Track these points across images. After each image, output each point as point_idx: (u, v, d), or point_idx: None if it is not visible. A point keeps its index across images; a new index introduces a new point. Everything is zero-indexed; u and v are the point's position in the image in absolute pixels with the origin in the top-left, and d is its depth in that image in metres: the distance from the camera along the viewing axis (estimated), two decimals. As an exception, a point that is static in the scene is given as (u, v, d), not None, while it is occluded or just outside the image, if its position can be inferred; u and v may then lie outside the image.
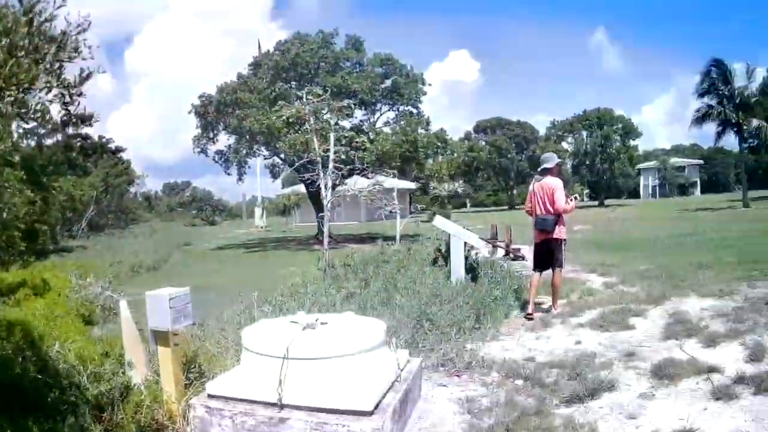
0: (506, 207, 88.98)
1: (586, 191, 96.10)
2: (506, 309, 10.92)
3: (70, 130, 4.04)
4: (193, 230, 64.24)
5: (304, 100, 13.08)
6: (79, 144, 64.07)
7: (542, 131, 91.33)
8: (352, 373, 5.38)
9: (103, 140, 64.38)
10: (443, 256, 12.71)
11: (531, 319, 10.31)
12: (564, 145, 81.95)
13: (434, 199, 59.10)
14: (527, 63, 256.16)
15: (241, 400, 5.33)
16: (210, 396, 5.52)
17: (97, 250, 33.16)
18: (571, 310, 10.89)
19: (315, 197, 37.51)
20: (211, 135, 37.61)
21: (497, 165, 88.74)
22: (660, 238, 24.69)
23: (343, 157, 13.26)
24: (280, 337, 5.56)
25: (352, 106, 14.31)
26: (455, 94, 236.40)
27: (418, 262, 12.86)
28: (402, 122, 34.02)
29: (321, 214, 14.38)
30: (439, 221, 12.30)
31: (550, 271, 10.97)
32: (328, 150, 13.83)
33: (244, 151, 37.28)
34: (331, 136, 12.88)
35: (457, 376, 7.48)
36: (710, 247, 19.75)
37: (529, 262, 17.77)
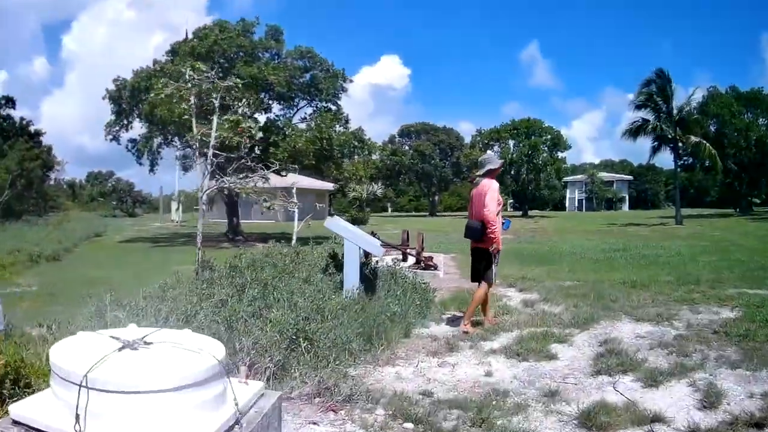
0: (426, 213, 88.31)
1: (510, 201, 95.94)
2: (406, 327, 9.17)
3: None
4: (110, 221, 62.07)
5: (187, 76, 10.88)
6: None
7: (468, 139, 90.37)
8: (169, 415, 3.45)
9: (24, 122, 61.76)
10: (336, 263, 10.80)
11: (466, 333, 9.12)
12: (489, 153, 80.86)
13: (352, 202, 57.38)
14: (458, 72, 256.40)
15: None
16: (14, 422, 3.64)
17: (3, 237, 30.79)
18: (483, 331, 9.21)
19: (225, 191, 35.66)
20: (125, 122, 34.96)
21: (420, 170, 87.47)
22: (588, 251, 23.22)
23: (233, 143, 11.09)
24: (88, 357, 3.63)
25: (240, 86, 12.03)
26: (384, 99, 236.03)
27: (308, 268, 10.92)
28: (318, 119, 32.01)
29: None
30: (332, 223, 10.35)
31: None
32: (208, 135, 11.73)
33: (156, 141, 35.05)
34: (214, 119, 10.76)
35: (334, 411, 5.93)
36: (644, 263, 18.23)
37: (441, 272, 16.31)
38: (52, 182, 73.01)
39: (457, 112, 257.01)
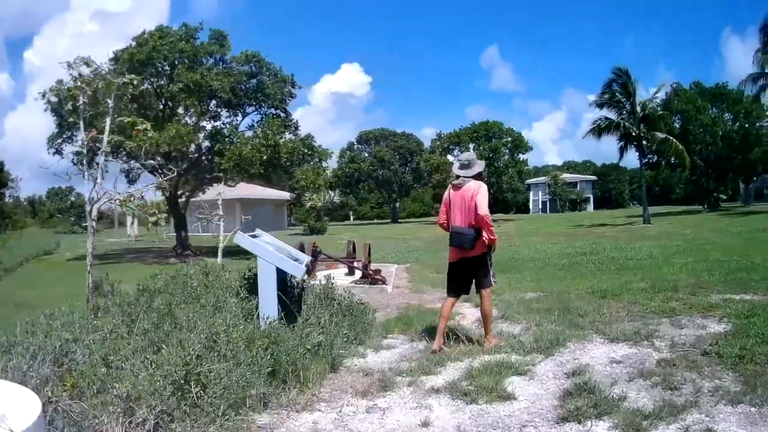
0: (389, 220, 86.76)
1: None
2: (333, 360, 7.60)
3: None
4: (66, 237, 59.74)
5: (72, 64, 9.15)
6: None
7: (428, 144, 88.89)
8: None
9: None
10: (251, 285, 9.20)
11: (435, 352, 8.10)
12: (449, 157, 79.42)
13: (309, 211, 55.73)
14: (419, 78, 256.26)
15: None
16: None
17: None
18: (425, 362, 7.64)
19: (171, 204, 34.15)
20: (68, 134, 32.80)
21: (380, 177, 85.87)
22: (552, 257, 21.45)
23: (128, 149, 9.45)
24: None
25: (134, 83, 10.27)
26: (345, 107, 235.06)
27: (223, 291, 9.26)
28: (264, 126, 30.26)
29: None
30: (243, 238, 8.61)
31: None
32: (98, 140, 10.08)
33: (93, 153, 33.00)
34: (107, 121, 9.05)
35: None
36: (614, 268, 16.56)
37: (389, 287, 14.71)
38: (8, 199, 72.30)
39: (420, 118, 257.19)
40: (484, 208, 7.99)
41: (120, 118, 10.30)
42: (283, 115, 32.92)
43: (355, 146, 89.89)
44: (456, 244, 8.30)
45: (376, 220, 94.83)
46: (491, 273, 8.38)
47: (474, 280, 8.44)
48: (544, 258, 21.07)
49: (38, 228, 69.39)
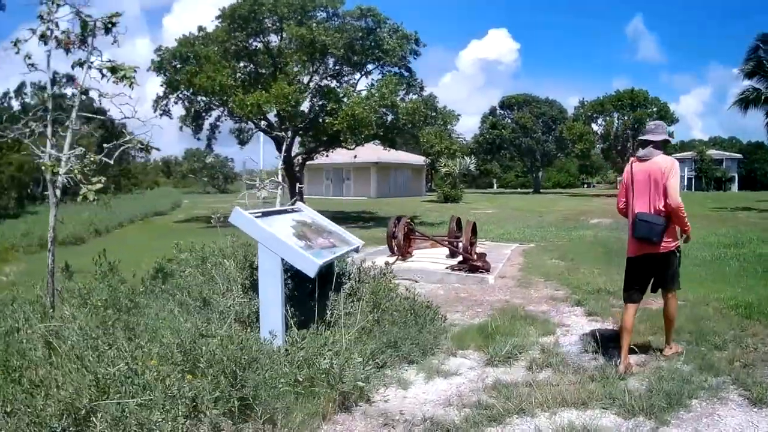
0: (531, 190, 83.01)
1: (619, 178, 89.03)
2: (344, 395, 5.42)
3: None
4: (194, 197, 61.58)
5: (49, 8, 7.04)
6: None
7: (572, 112, 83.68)
8: None
9: (85, 99, 61.40)
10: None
11: (626, 373, 6.15)
12: (594, 126, 74.69)
13: (444, 178, 53.21)
14: (564, 47, 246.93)
15: None
16: None
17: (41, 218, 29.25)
18: (494, 405, 5.31)
19: (287, 169, 32.70)
20: (174, 95, 31.97)
21: (522, 144, 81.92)
22: (691, 246, 17.06)
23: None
24: None
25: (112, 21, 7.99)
26: (492, 74, 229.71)
27: (225, 282, 7.06)
28: (381, 84, 27.82)
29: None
30: (240, 217, 6.29)
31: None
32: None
33: (197, 112, 32.78)
34: (84, 70, 6.96)
35: None
36: (761, 270, 12.95)
37: (492, 276, 12.21)
38: (140, 160, 74.04)
39: (566, 87, 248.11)
40: (676, 196, 6.30)
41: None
42: (406, 74, 30.52)
43: (498, 111, 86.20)
44: (641, 235, 6.49)
45: (519, 189, 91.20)
46: (677, 275, 6.70)
47: (657, 281, 6.73)
48: (683, 248, 17.22)
49: (171, 188, 70.74)
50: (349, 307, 6.88)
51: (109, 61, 7.23)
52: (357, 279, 7.79)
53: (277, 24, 28.44)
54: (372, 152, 44.69)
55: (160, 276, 7.75)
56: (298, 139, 33.66)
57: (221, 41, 28.48)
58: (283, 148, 24.34)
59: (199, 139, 34.37)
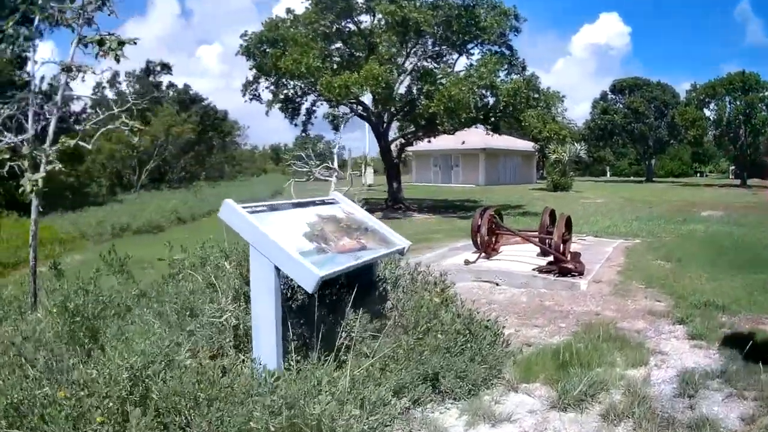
0: (643, 179, 78.90)
1: (732, 167, 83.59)
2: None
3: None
4: (298, 185, 59.43)
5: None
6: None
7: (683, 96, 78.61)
8: None
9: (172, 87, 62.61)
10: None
11: None
12: (706, 112, 70.04)
13: (554, 165, 50.75)
14: (675, 31, 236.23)
15: None
16: None
17: (135, 205, 30.31)
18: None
19: (384, 155, 31.54)
20: (262, 80, 31.77)
21: (634, 130, 77.92)
22: None
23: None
24: None
25: None
26: (604, 58, 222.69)
27: (227, 290, 5.64)
28: (480, 64, 26.09)
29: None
30: (230, 212, 4.81)
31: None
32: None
33: (283, 96, 32.07)
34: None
35: None
36: None
37: (585, 281, 10.41)
38: (244, 146, 74.94)
39: (677, 72, 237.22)
40: None
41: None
42: (507, 52, 28.63)
43: (609, 96, 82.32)
44: None
45: (632, 178, 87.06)
46: None
47: None
48: None
49: (279, 175, 71.42)
50: (376, 325, 5.41)
51: (100, 34, 6.44)
52: (395, 287, 6.31)
53: (367, 2, 27.11)
54: (480, 138, 42.88)
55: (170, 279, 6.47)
56: (396, 124, 32.51)
57: (310, 23, 27.55)
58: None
59: (295, 125, 33.89)
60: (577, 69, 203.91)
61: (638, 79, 79.83)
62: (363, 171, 57.93)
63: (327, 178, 9.99)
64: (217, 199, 31.50)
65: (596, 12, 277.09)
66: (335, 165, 10.06)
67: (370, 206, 31.87)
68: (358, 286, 5.64)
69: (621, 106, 79.17)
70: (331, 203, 6.44)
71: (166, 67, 62.50)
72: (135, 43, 6.25)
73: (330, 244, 5.21)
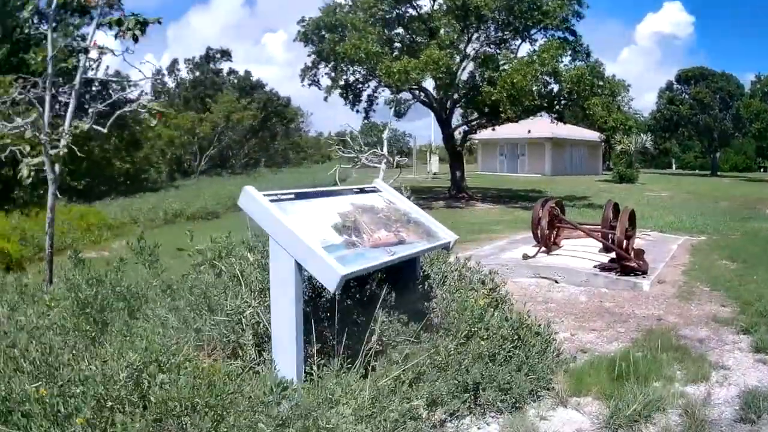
0: (708, 172, 76.65)
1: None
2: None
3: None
4: (364, 172, 59.26)
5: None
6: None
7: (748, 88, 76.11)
8: None
9: (235, 74, 62.94)
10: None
11: None
12: (771, 104, 67.85)
13: (620, 156, 49.44)
14: (740, 20, 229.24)
15: None
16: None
17: (192, 191, 30.81)
18: None
19: (447, 142, 31.02)
20: (322, 65, 31.61)
21: (699, 122, 75.61)
22: None
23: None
24: None
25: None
26: (668, 48, 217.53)
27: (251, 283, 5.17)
28: (542, 49, 25.31)
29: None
30: (249, 200, 4.34)
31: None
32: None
33: (343, 82, 31.68)
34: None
35: None
36: None
37: (648, 282, 9.73)
38: (311, 133, 75.30)
39: (741, 63, 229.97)
40: None
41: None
42: (571, 38, 27.73)
43: (674, 86, 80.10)
44: None
45: (697, 171, 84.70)
46: None
47: None
48: None
49: (344, 162, 71.86)
50: (415, 328, 4.92)
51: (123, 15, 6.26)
52: (440, 285, 5.80)
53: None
54: (546, 127, 42.07)
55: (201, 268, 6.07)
56: (459, 111, 31.96)
57: (368, 7, 27.13)
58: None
59: (357, 111, 33.49)
60: (642, 59, 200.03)
61: (704, 69, 77.49)
62: (428, 159, 57.47)
63: (375, 164, 9.51)
64: (277, 185, 31.58)
65: (660, 1, 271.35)
66: (384, 151, 9.57)
67: (433, 195, 31.81)
68: (398, 284, 5.23)
69: (687, 96, 77.09)
70: (372, 192, 5.94)
71: (225, 54, 63.15)
72: (160, 22, 6.10)
73: (363, 237, 4.71)
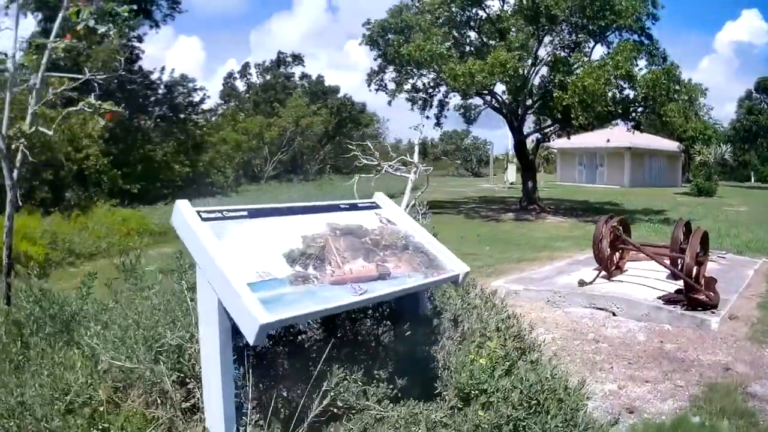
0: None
1: None
2: None
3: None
4: (441, 180, 58.24)
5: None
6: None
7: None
8: None
9: (305, 78, 62.77)
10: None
11: None
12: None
13: (699, 167, 47.15)
14: None
15: None
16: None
17: (252, 196, 30.84)
18: None
19: (518, 151, 30.23)
20: (389, 70, 30.45)
21: (777, 133, 72.35)
22: None
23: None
24: None
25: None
26: (747, 57, 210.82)
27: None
28: (615, 52, 23.86)
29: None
30: (179, 217, 3.28)
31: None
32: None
33: (409, 86, 30.53)
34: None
35: None
36: None
37: (718, 318, 8.33)
38: (391, 140, 75.30)
39: None
40: None
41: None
42: (646, 41, 26.01)
43: (753, 95, 76.99)
44: None
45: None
46: None
47: None
48: None
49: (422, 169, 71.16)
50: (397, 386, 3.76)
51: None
52: (455, 326, 4.64)
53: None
54: (625, 136, 40.30)
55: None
56: (533, 119, 30.72)
57: (434, 9, 26.15)
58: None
59: (427, 117, 31.98)
60: (721, 68, 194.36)
61: (783, 77, 74.69)
62: (505, 168, 56.26)
63: (404, 174, 8.36)
64: (341, 192, 30.84)
65: (738, 9, 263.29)
66: (415, 158, 8.42)
67: (504, 206, 30.72)
68: (396, 323, 4.11)
69: (766, 105, 74.28)
70: (368, 208, 4.79)
71: (297, 58, 62.89)
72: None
73: (325, 269, 3.56)
